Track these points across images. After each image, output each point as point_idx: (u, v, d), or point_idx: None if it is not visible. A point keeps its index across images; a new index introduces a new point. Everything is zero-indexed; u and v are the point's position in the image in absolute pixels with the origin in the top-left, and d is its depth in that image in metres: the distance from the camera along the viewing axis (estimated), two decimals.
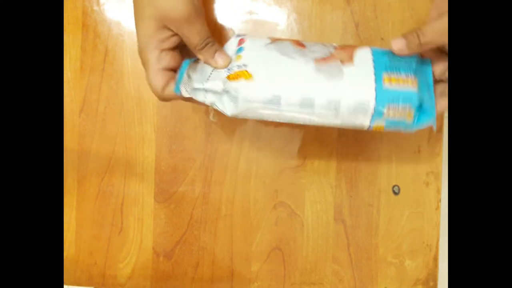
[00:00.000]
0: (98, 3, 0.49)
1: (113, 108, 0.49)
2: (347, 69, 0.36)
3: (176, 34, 0.38)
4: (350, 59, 0.36)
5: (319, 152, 0.47)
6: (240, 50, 0.38)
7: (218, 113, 0.48)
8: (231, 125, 0.48)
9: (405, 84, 0.35)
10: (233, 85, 0.35)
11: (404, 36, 0.37)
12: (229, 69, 0.37)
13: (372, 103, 0.35)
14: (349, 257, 0.47)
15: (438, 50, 0.39)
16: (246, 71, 0.35)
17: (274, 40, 0.38)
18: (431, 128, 0.46)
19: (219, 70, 0.38)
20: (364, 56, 0.37)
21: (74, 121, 0.49)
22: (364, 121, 0.35)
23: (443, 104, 0.38)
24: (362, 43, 0.46)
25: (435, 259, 0.47)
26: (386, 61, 0.37)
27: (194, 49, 0.38)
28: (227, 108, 0.36)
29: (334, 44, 0.39)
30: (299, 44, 0.38)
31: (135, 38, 0.48)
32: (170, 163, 0.48)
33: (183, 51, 0.40)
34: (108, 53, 0.48)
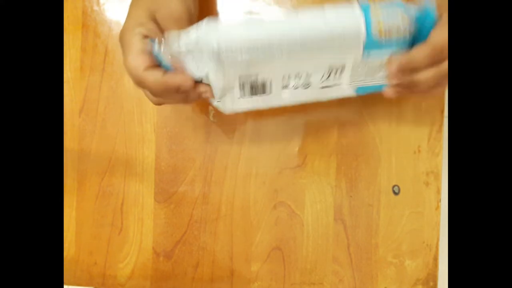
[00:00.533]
0: (98, 3, 0.49)
1: (113, 108, 0.49)
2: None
3: (162, 31, 0.37)
4: None
5: (319, 152, 0.47)
6: None
7: (218, 113, 0.48)
8: (231, 125, 0.48)
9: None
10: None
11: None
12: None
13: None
14: (349, 257, 0.47)
15: None
16: None
17: None
18: (431, 128, 0.46)
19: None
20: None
21: (74, 121, 0.49)
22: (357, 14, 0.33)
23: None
24: None
25: (435, 259, 0.47)
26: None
27: None
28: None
29: None
30: None
31: None
32: (170, 163, 0.48)
33: None
34: (108, 53, 0.49)
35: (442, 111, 0.46)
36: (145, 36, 0.35)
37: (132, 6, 0.38)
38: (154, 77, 0.34)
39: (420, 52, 0.34)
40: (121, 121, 0.49)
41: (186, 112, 0.48)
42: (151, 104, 0.48)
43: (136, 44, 0.35)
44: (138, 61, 0.34)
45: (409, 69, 0.34)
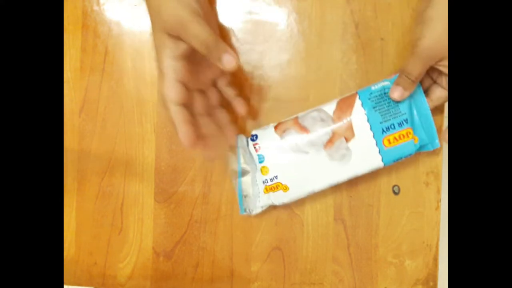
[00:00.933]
0: (98, 3, 0.49)
1: (113, 108, 0.49)
2: (353, 145, 0.42)
3: (181, 40, 0.37)
4: (352, 132, 0.42)
5: None
6: (261, 159, 0.43)
7: None
8: None
9: (402, 139, 0.42)
10: (272, 195, 0.44)
11: (396, 83, 0.41)
12: (264, 182, 0.44)
13: (381, 165, 0.42)
14: (349, 257, 0.47)
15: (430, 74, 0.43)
16: (280, 183, 0.43)
17: (281, 133, 0.43)
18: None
19: (258, 183, 0.44)
20: (361, 125, 0.41)
21: (74, 121, 0.49)
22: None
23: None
24: (362, 43, 0.46)
25: (435, 259, 0.47)
26: (379, 119, 0.41)
27: (201, 51, 0.37)
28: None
29: (328, 111, 0.43)
30: (302, 128, 0.42)
31: (135, 38, 0.48)
32: (170, 163, 0.48)
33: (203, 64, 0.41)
34: (108, 53, 0.49)
35: (442, 111, 0.46)
36: (174, 58, 0.37)
37: (152, 32, 0.38)
38: (177, 117, 0.37)
39: (414, 67, 0.40)
40: (121, 121, 0.49)
41: None
42: (151, 104, 0.48)
43: (167, 73, 0.37)
44: (173, 93, 0.37)
45: (412, 84, 0.40)
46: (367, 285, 0.47)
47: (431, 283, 0.47)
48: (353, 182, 0.47)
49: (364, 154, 0.42)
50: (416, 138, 0.42)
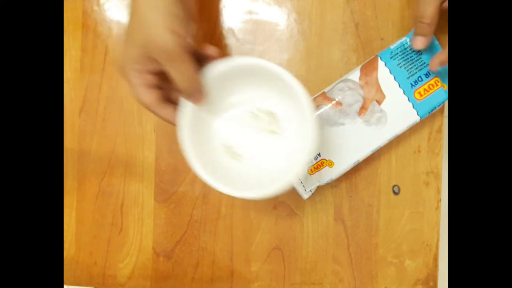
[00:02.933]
0: (98, 3, 0.49)
1: (113, 108, 0.49)
2: (385, 106, 0.42)
3: (160, 67, 0.36)
4: (382, 94, 0.42)
5: None
6: None
7: None
8: None
9: (432, 89, 0.42)
10: (318, 174, 0.44)
11: (415, 33, 0.40)
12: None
13: (418, 119, 0.43)
14: (349, 257, 0.47)
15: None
16: (324, 159, 0.43)
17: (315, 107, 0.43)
18: (431, 128, 0.46)
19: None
20: (389, 84, 0.42)
21: (74, 121, 0.49)
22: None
23: None
24: (362, 43, 0.46)
25: (435, 259, 0.47)
26: (405, 74, 0.42)
27: (176, 88, 0.36)
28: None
29: (354, 78, 0.43)
30: (332, 101, 0.43)
31: None
32: (170, 163, 0.48)
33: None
34: (108, 53, 0.49)
35: (442, 111, 0.46)
36: (140, 72, 0.36)
37: (126, 41, 0.36)
38: (165, 115, 0.38)
39: (425, 9, 0.39)
40: (121, 121, 0.49)
41: None
42: None
43: (134, 80, 0.36)
44: (145, 98, 0.37)
45: (429, 27, 0.40)
46: (367, 285, 0.47)
47: (431, 283, 0.47)
48: (353, 182, 0.47)
49: (399, 112, 0.42)
50: (445, 85, 0.42)
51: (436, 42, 0.42)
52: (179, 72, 0.35)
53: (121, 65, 0.36)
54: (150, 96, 0.37)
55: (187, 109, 0.37)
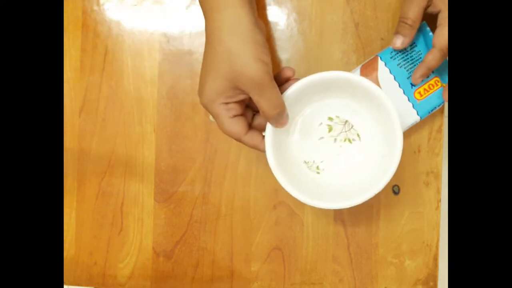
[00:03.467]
0: (98, 3, 0.49)
1: (113, 108, 0.49)
2: None
3: (246, 95, 0.36)
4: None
5: None
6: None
7: None
8: None
9: (432, 89, 0.42)
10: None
11: (396, 32, 0.40)
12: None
13: (418, 119, 0.43)
14: (349, 257, 0.47)
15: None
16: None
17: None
18: (431, 128, 0.46)
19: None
20: (389, 84, 0.42)
21: (74, 121, 0.49)
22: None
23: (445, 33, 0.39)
24: (362, 43, 0.46)
25: (435, 259, 0.47)
26: (405, 74, 0.42)
27: (263, 116, 0.37)
28: None
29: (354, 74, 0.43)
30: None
31: (135, 38, 0.48)
32: (170, 163, 0.48)
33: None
34: (108, 53, 0.49)
35: (442, 111, 0.46)
36: (227, 103, 0.37)
37: (211, 73, 0.36)
38: (253, 142, 0.39)
39: (433, 58, 0.39)
40: (121, 121, 0.49)
41: (186, 112, 0.48)
42: (151, 104, 0.48)
43: (223, 114, 0.37)
44: (234, 129, 0.37)
45: (428, 71, 0.41)
46: (367, 285, 0.47)
47: (431, 283, 0.47)
48: None
49: (399, 112, 0.42)
50: (445, 85, 0.42)
51: (431, 35, 0.42)
52: (268, 101, 0.35)
53: (209, 99, 0.36)
54: (239, 127, 0.37)
55: (268, 130, 0.39)
